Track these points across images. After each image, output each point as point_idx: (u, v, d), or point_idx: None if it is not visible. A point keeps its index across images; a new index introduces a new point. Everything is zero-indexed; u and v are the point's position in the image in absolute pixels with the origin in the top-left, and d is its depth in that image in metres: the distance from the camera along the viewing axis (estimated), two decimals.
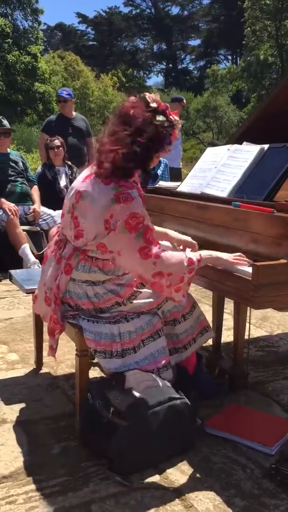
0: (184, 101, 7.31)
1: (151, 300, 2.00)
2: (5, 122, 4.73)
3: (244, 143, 2.44)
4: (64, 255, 1.93)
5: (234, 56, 56.63)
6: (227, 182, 2.23)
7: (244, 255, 1.91)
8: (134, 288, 1.97)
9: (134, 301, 1.97)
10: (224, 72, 41.60)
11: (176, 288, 1.84)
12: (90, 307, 1.93)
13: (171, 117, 1.85)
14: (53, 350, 2.02)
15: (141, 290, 2.00)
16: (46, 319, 2.07)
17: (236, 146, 2.39)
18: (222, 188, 2.23)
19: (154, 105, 1.82)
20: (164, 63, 61.29)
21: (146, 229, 1.78)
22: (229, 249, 2.00)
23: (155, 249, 1.79)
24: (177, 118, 1.88)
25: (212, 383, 2.29)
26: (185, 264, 1.84)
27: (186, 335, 2.13)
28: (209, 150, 2.61)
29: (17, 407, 2.14)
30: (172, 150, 1.97)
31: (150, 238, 1.79)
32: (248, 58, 35.70)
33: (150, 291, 1.99)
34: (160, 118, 1.81)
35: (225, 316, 2.67)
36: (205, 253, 1.94)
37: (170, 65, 60.46)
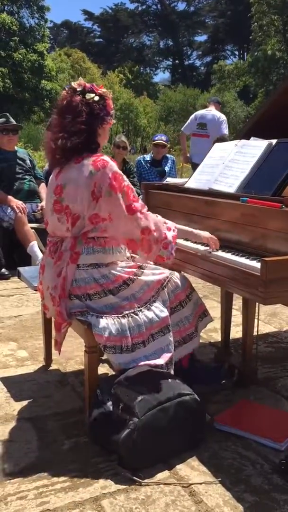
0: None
1: (156, 277, 2.05)
2: (12, 119, 4.74)
3: (252, 138, 2.42)
4: (65, 249, 1.98)
5: (241, 52, 56.34)
6: (235, 177, 2.22)
7: (217, 240, 2.08)
8: (136, 270, 2.04)
9: (140, 278, 2.01)
10: (231, 68, 41.42)
11: (163, 244, 1.98)
12: (98, 290, 1.95)
13: (99, 91, 2.00)
14: (58, 344, 2.03)
15: (143, 269, 2.06)
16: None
17: (243, 141, 2.38)
18: (230, 183, 2.23)
19: (80, 88, 1.99)
20: (171, 59, 61.11)
21: (128, 188, 1.94)
22: (237, 245, 1.99)
23: (139, 205, 1.95)
24: (105, 90, 2.03)
25: (209, 369, 2.31)
26: (163, 221, 2.02)
27: (194, 316, 2.15)
28: (217, 146, 2.60)
29: (27, 404, 2.15)
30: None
31: (132, 197, 1.94)
32: (255, 53, 35.52)
33: (153, 268, 2.09)
34: (89, 95, 1.97)
35: (234, 312, 2.67)
36: (182, 226, 2.14)
37: (177, 61, 60.28)
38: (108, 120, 2.01)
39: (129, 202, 1.93)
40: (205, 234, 2.11)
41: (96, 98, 1.97)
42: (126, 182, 1.95)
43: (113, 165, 1.92)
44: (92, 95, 1.97)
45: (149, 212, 2.01)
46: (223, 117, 6.74)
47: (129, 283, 1.99)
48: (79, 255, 1.94)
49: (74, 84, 2.02)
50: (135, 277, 2.00)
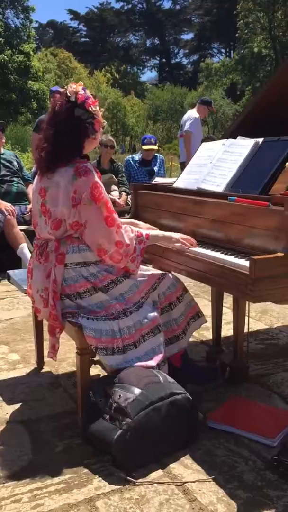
0: (213, 106, 7.38)
1: (146, 279, 2.05)
2: None
3: (239, 137, 2.44)
4: (50, 250, 1.98)
5: (228, 49, 56.45)
6: (223, 177, 2.24)
7: (191, 238, 2.10)
8: (124, 270, 2.03)
9: (128, 278, 2.01)
10: (218, 66, 41.52)
11: (131, 258, 1.99)
12: (88, 287, 1.96)
13: (90, 108, 1.95)
14: (54, 350, 2.02)
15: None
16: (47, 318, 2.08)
17: (231, 140, 2.39)
18: (218, 183, 2.24)
19: (72, 98, 1.94)
20: (158, 58, 61.09)
21: (106, 200, 1.95)
22: (226, 244, 2.00)
23: (117, 218, 1.97)
24: (96, 108, 1.98)
25: (202, 369, 2.31)
26: (135, 235, 2.02)
27: (183, 318, 2.16)
28: (204, 145, 2.61)
29: (20, 407, 2.15)
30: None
31: (111, 207, 1.95)
32: (242, 51, 35.62)
33: (143, 269, 2.09)
34: (78, 112, 1.94)
35: (225, 310, 2.68)
36: (154, 232, 2.15)
37: (164, 60, 60.27)
38: (93, 137, 1.99)
39: (109, 213, 1.92)
40: (176, 235, 2.11)
41: (85, 116, 1.94)
42: (105, 193, 1.95)
43: (95, 175, 1.91)
44: (82, 111, 1.93)
45: (124, 225, 2.02)
46: (192, 115, 6.87)
47: (117, 283, 1.99)
48: (65, 255, 1.94)
49: (69, 89, 1.95)
50: (123, 277, 2.01)
